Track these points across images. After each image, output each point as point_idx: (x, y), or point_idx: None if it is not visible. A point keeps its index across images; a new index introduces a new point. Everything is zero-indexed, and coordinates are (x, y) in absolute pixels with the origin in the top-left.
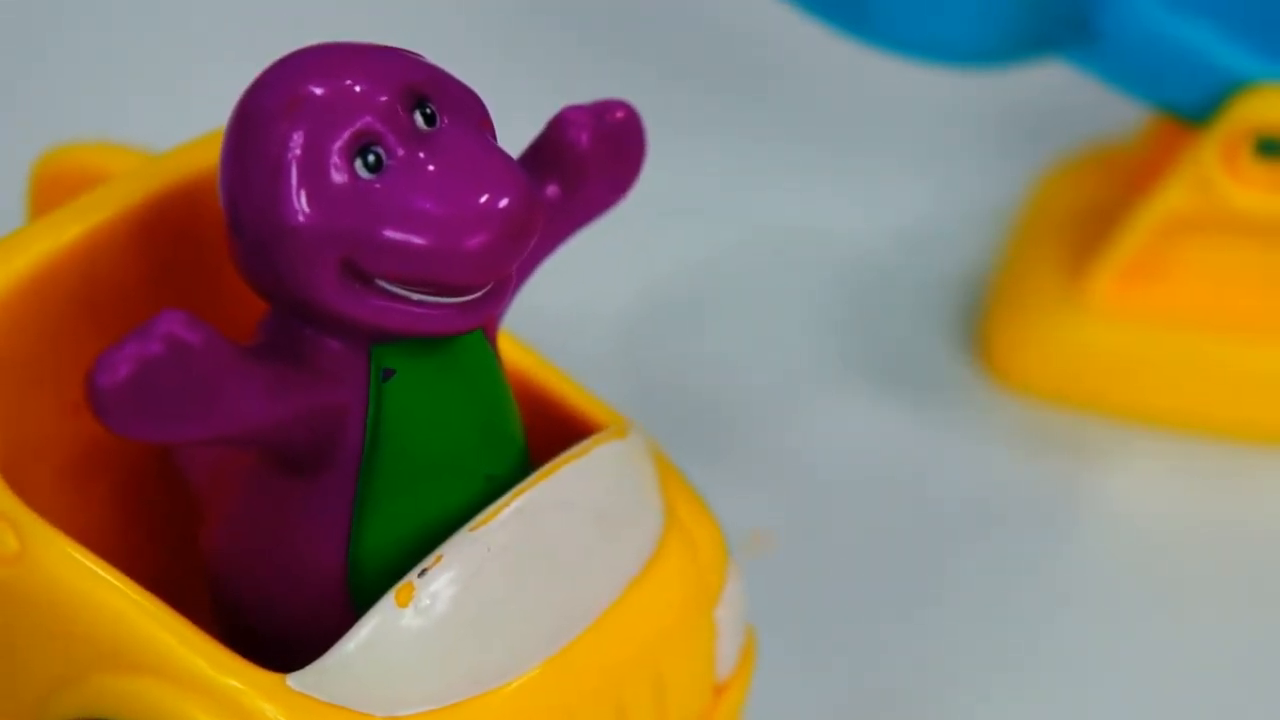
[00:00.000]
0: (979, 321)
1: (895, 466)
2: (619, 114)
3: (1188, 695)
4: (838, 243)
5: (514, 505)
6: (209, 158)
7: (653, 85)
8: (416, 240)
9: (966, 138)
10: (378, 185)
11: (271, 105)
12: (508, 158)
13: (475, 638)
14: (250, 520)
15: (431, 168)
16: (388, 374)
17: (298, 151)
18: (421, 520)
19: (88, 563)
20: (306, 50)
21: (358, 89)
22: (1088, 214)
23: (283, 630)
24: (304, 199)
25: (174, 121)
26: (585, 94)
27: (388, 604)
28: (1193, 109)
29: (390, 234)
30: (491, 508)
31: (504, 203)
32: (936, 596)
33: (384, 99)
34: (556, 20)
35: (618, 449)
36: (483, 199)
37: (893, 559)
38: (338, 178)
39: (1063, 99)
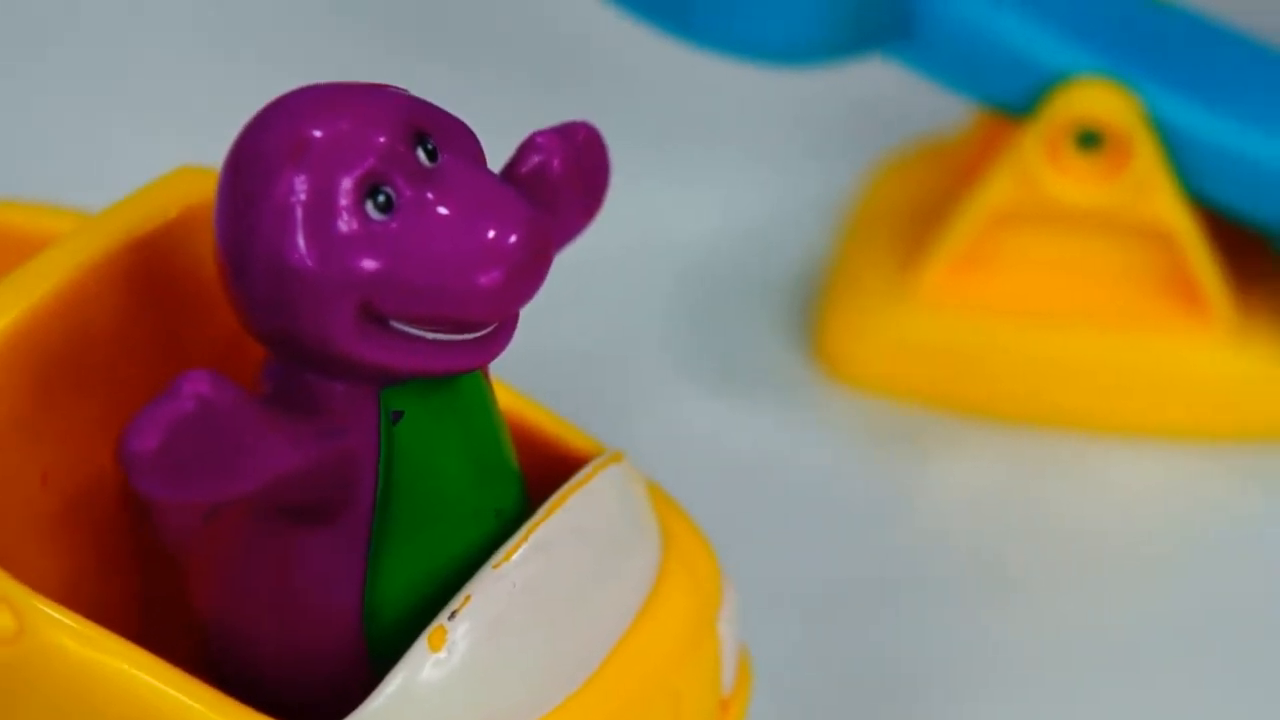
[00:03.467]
0: (813, 317)
1: (732, 464)
2: (583, 135)
3: (1019, 682)
4: (673, 243)
5: (533, 539)
6: (158, 210)
7: (482, 89)
8: (435, 279)
9: (799, 135)
10: (392, 226)
11: (276, 150)
12: (515, 190)
13: (507, 676)
14: (254, 575)
15: (442, 205)
16: (397, 416)
17: (310, 196)
18: (437, 562)
19: (91, 633)
20: (301, 92)
21: (361, 129)
22: (917, 208)
23: (296, 684)
24: (320, 244)
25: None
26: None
27: (420, 649)
28: (1015, 103)
29: (409, 274)
30: (511, 542)
31: (516, 237)
32: (774, 593)
33: (387, 138)
34: (376, 21)
35: (616, 473)
36: (497, 235)
37: (730, 555)
38: (351, 221)
39: (895, 94)
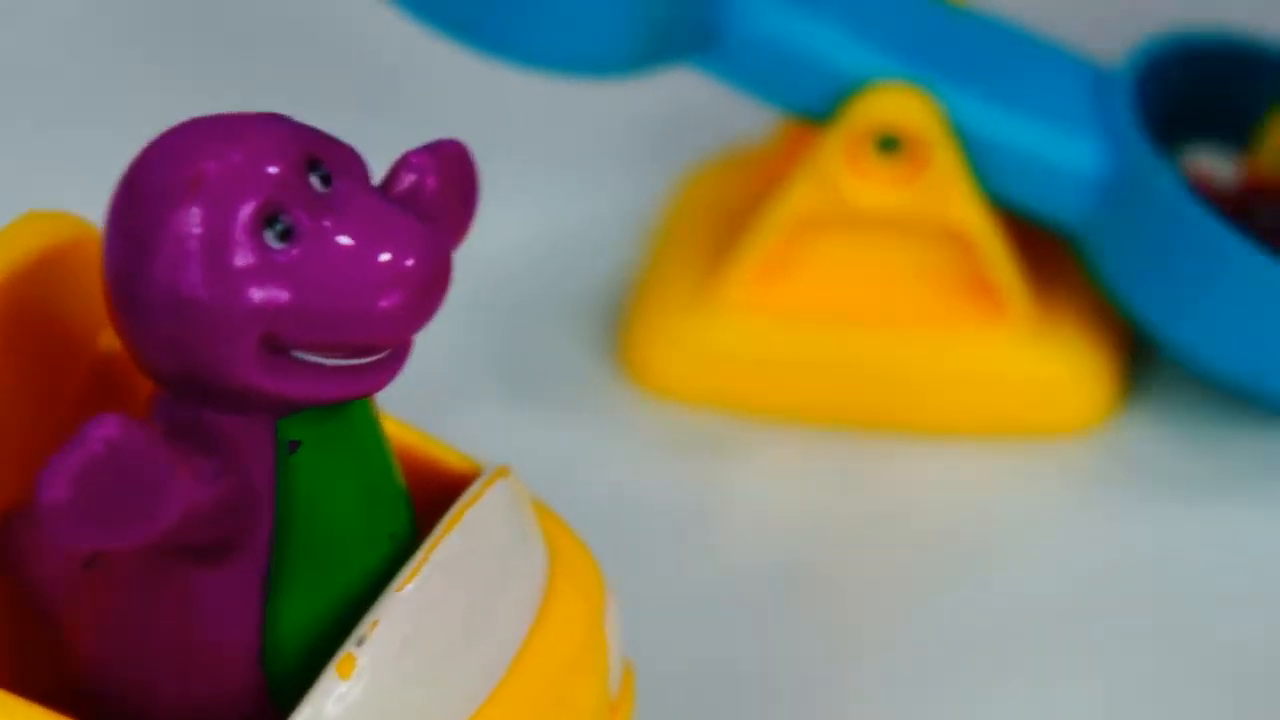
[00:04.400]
0: (621, 326)
1: (539, 474)
2: (453, 151)
3: (834, 684)
4: (482, 255)
5: (434, 559)
6: (8, 257)
7: (281, 102)
8: (338, 306)
9: (609, 145)
10: (292, 254)
11: (169, 185)
12: (410, 213)
13: (416, 697)
14: (143, 619)
15: (340, 232)
16: (294, 446)
17: (208, 230)
18: (335, 591)
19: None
20: (190, 125)
21: (254, 159)
22: (723, 215)
23: None
24: (221, 278)
25: None
26: (207, 107)
27: (330, 678)
28: (817, 110)
29: (312, 303)
30: (412, 565)
31: (414, 260)
32: None
33: (281, 167)
34: (170, 30)
35: (504, 488)
36: (395, 258)
37: None
38: (252, 252)
39: (703, 103)
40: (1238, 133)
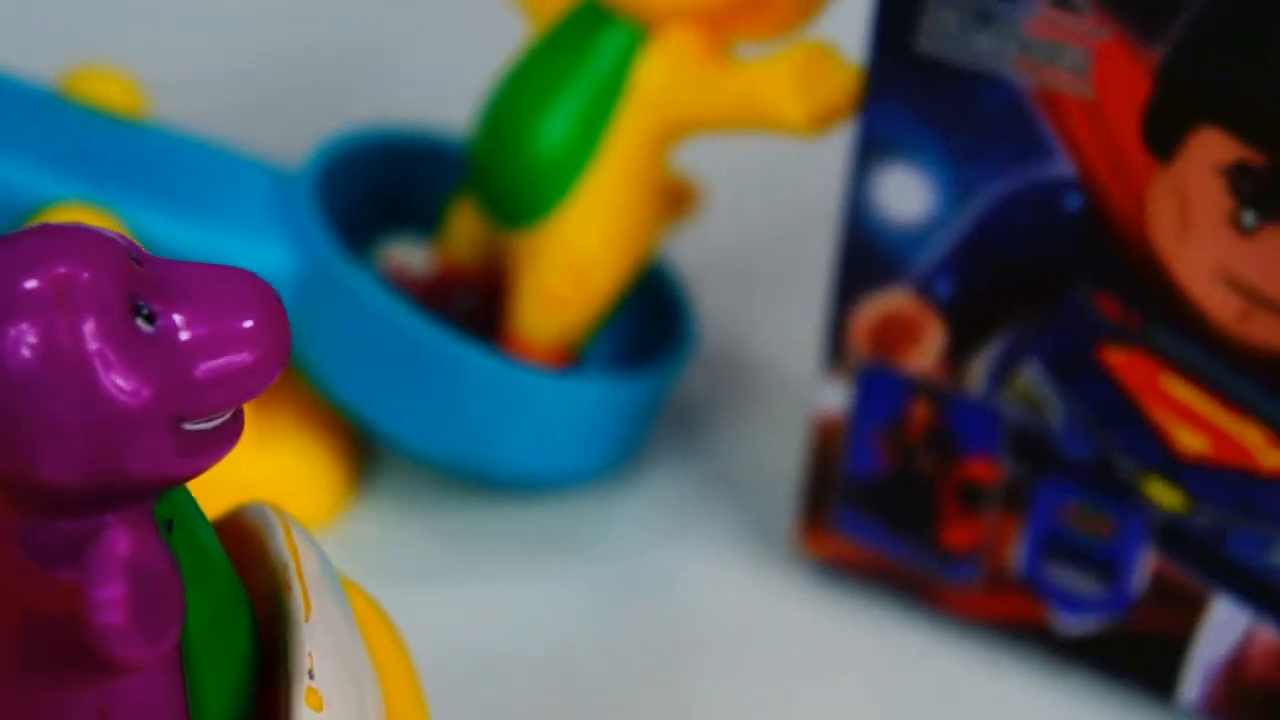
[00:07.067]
0: None
1: None
2: None
3: None
4: None
5: (308, 584)
6: None
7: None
8: (239, 359)
9: None
10: (172, 333)
11: (34, 300)
12: (233, 269)
13: (364, 707)
14: None
15: (188, 299)
16: (170, 525)
17: (95, 335)
18: (235, 654)
19: None
20: (10, 243)
21: (96, 259)
22: None
23: None
24: (124, 377)
25: None
26: None
27: (303, 715)
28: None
29: (210, 366)
30: (296, 595)
31: (269, 300)
32: None
33: (118, 259)
34: None
35: (275, 513)
36: (248, 313)
37: None
38: (137, 344)
39: None
40: (428, 222)
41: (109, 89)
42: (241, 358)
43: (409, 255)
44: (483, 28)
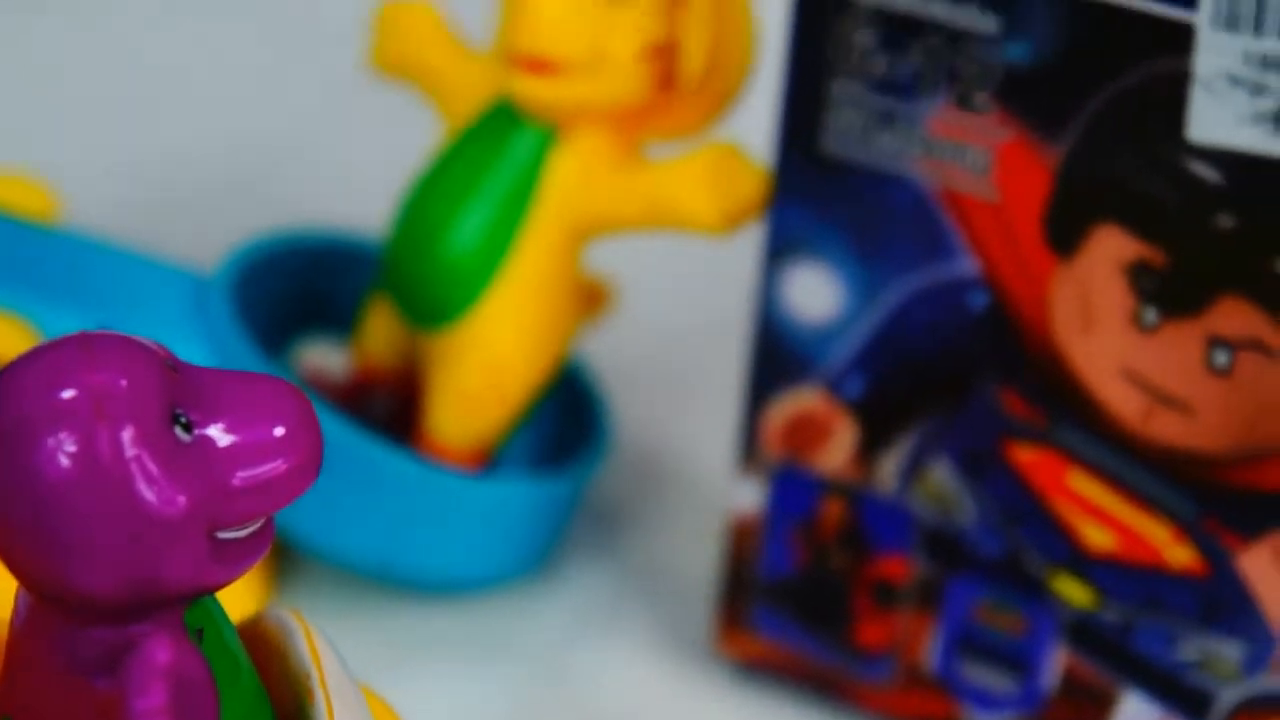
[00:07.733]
0: None
1: None
2: None
3: None
4: None
5: (331, 693)
6: None
7: None
8: (276, 467)
9: None
10: (209, 441)
11: (74, 409)
12: (265, 375)
13: None
14: None
15: (224, 407)
16: (200, 634)
17: (134, 443)
18: None
19: None
20: (48, 351)
21: (135, 368)
22: None
23: None
24: (162, 486)
25: None
26: None
27: None
28: None
29: (246, 475)
30: (319, 702)
31: (303, 407)
32: None
33: (156, 368)
34: None
35: (296, 621)
36: (279, 421)
37: None
38: (175, 453)
39: None
40: (345, 323)
41: (22, 194)
42: (277, 466)
43: (326, 358)
44: (399, 127)
